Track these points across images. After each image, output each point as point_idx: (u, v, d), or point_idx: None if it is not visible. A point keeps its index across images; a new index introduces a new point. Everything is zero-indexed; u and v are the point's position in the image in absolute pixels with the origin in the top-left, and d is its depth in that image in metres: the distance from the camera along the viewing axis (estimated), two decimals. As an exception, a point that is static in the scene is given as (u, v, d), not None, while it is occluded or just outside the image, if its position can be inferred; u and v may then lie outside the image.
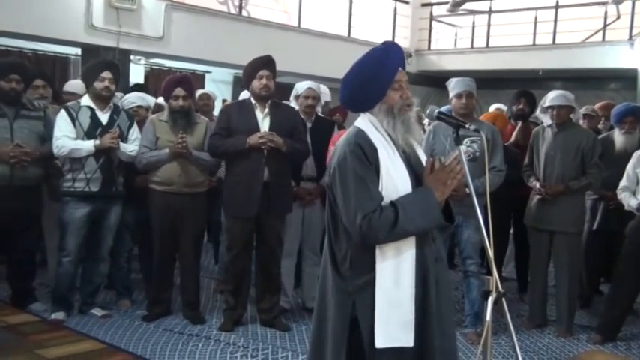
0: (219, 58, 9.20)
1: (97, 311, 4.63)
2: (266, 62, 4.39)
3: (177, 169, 4.46)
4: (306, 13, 10.52)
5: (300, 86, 4.84)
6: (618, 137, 5.01)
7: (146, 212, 4.64)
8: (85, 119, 4.43)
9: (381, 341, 2.23)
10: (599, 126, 5.82)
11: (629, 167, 4.50)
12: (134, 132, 4.61)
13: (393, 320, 2.23)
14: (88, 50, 8.09)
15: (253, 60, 4.42)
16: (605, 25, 10.31)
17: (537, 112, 4.86)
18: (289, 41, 9.82)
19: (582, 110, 5.49)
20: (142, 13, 8.31)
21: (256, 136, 4.23)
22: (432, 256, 2.33)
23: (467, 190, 2.41)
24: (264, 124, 4.34)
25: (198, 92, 6.57)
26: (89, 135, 4.41)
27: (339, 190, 2.27)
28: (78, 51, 8.65)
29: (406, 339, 2.24)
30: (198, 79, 10.47)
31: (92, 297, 4.70)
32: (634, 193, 4.44)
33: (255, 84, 4.34)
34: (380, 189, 2.24)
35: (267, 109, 4.38)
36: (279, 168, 4.33)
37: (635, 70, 9.28)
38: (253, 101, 4.41)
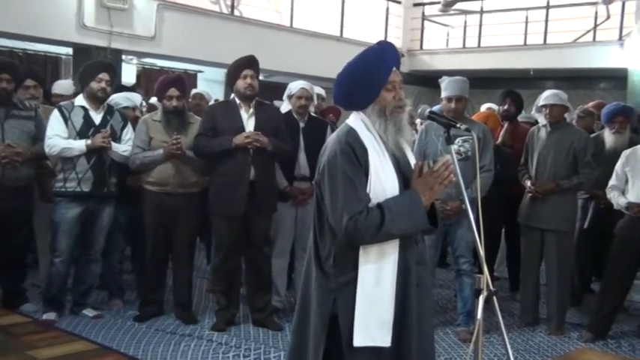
0: (211, 58, 9.18)
1: (89, 312, 4.62)
2: (249, 62, 4.40)
3: (172, 169, 4.46)
4: (298, 13, 10.51)
5: (294, 86, 4.84)
6: (608, 137, 5.03)
7: (138, 212, 4.64)
8: (77, 119, 4.42)
9: (359, 340, 2.24)
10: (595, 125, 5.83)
11: (618, 166, 4.54)
12: (127, 132, 4.61)
13: (372, 320, 2.24)
14: (80, 50, 8.06)
15: (237, 60, 4.43)
16: (596, 25, 10.37)
17: (533, 111, 4.88)
18: (281, 41, 9.81)
19: (576, 111, 5.53)
20: (134, 12, 8.29)
21: (242, 135, 4.24)
22: (415, 258, 2.35)
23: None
24: (250, 123, 4.35)
25: (192, 92, 6.58)
26: (82, 135, 4.39)
27: (327, 188, 2.28)
28: (69, 50, 8.61)
29: (383, 339, 2.25)
30: (191, 78, 10.45)
31: (84, 297, 4.68)
32: (623, 192, 4.48)
33: (240, 84, 4.35)
34: (368, 190, 2.25)
35: (252, 109, 4.39)
36: (265, 167, 4.35)
37: (625, 70, 9.32)
38: (238, 101, 4.41)
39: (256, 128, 4.31)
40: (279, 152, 4.40)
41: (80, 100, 4.50)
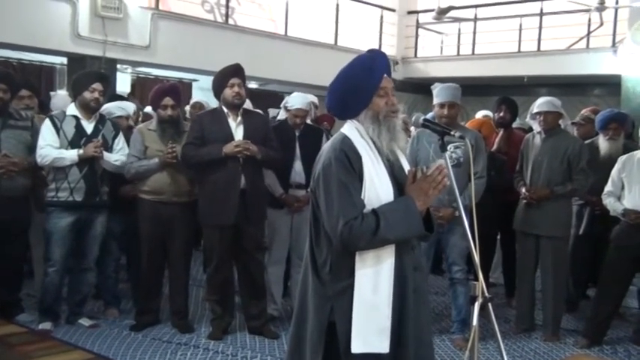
0: (206, 67, 9.18)
1: (85, 321, 4.61)
2: (236, 70, 4.41)
3: (167, 178, 4.46)
4: (292, 21, 10.53)
5: (292, 102, 4.82)
6: (603, 143, 5.04)
7: (133, 221, 4.63)
8: (69, 128, 4.43)
9: (357, 346, 2.25)
10: None
11: (614, 172, 4.55)
12: (119, 142, 4.61)
13: (370, 326, 2.25)
14: (74, 59, 8.07)
15: (223, 69, 4.44)
16: (589, 33, 10.42)
17: (527, 118, 4.91)
18: (276, 49, 9.83)
19: (577, 118, 5.56)
20: (128, 21, 8.30)
21: (232, 144, 4.24)
22: (411, 264, 2.36)
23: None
24: (238, 132, 4.36)
25: (192, 101, 6.59)
26: (73, 144, 4.40)
27: (322, 195, 2.30)
28: (64, 60, 8.62)
29: (382, 345, 2.26)
30: (186, 87, 10.46)
31: (79, 307, 4.67)
32: (619, 198, 4.50)
33: (227, 92, 4.35)
34: (362, 196, 2.27)
35: (239, 118, 4.40)
36: (254, 175, 4.36)
37: (618, 77, 9.37)
38: (225, 110, 4.42)
39: (245, 137, 4.32)
40: (268, 160, 4.41)
41: (72, 110, 4.51)
